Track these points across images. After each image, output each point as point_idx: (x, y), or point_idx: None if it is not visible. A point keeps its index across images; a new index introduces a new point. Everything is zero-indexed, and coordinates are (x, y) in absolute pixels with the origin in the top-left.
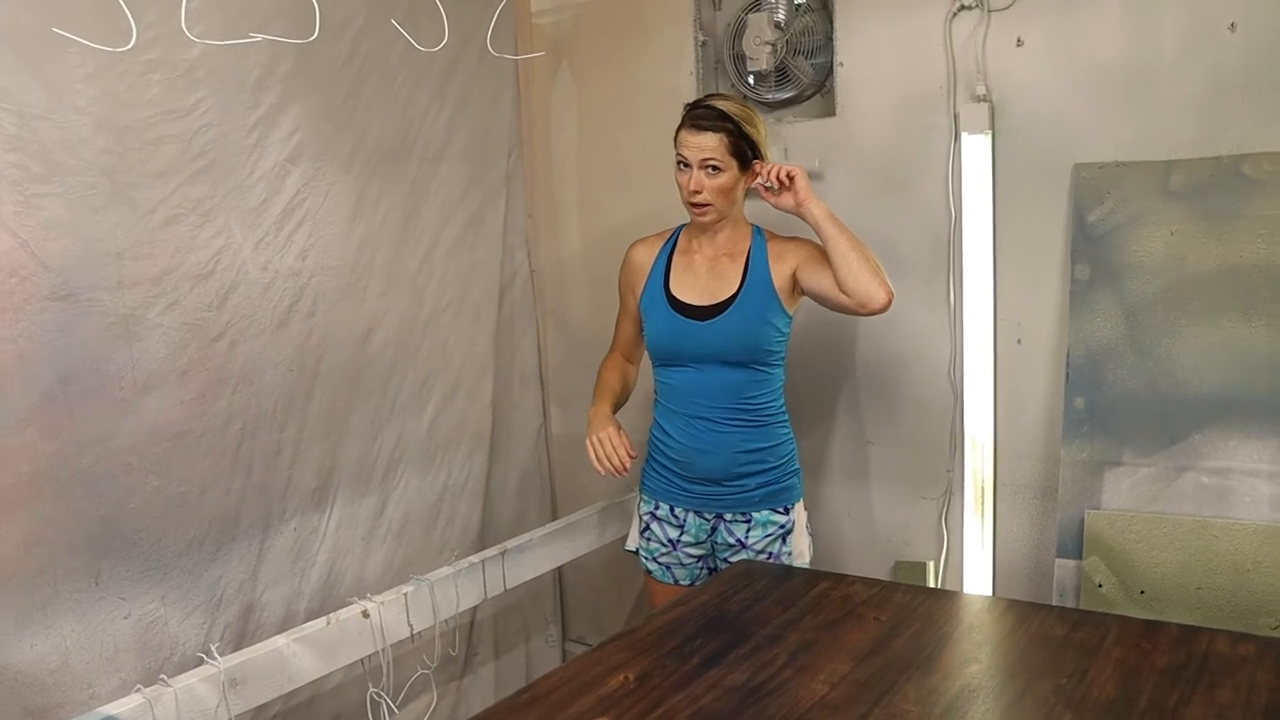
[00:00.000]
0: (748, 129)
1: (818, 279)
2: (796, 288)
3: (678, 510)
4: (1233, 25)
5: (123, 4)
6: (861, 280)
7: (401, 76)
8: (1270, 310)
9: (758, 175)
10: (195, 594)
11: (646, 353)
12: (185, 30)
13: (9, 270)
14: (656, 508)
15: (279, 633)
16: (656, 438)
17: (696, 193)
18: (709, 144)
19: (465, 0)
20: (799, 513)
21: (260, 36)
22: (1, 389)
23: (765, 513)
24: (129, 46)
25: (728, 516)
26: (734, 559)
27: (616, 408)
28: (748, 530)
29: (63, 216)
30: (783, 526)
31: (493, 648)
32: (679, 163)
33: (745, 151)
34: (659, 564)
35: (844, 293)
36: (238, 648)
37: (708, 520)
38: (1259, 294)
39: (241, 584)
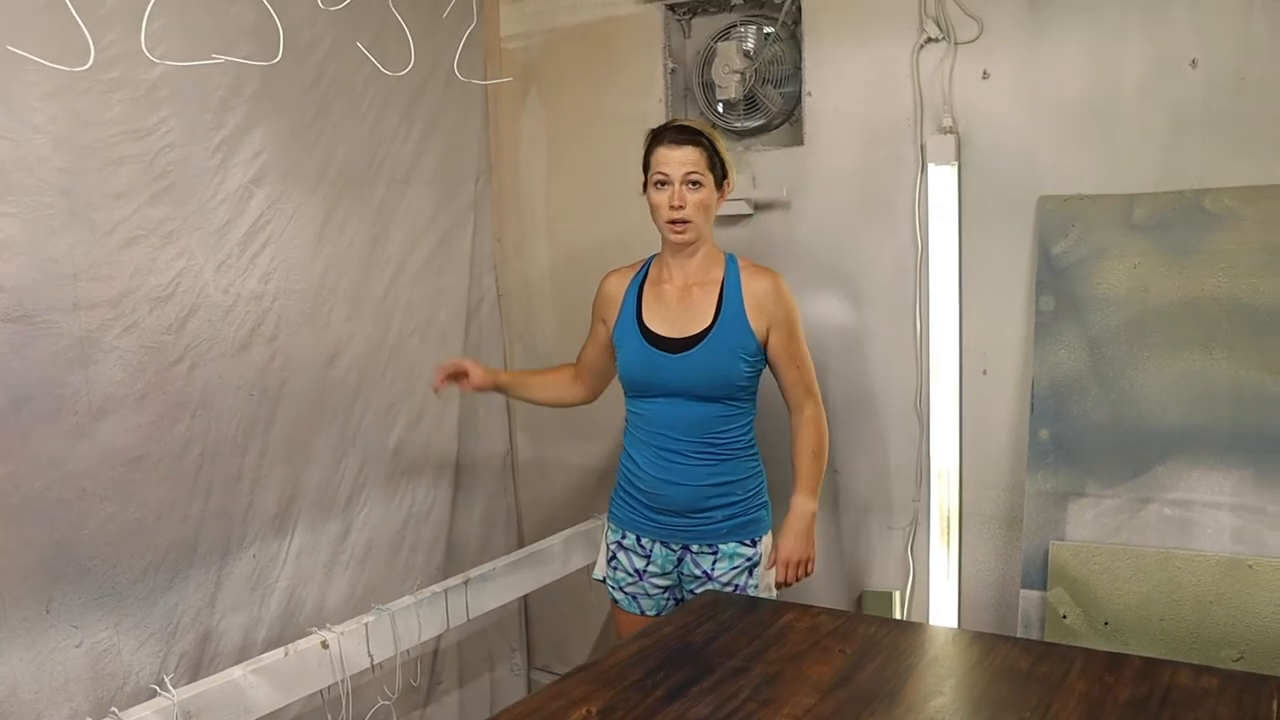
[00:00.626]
0: (718, 146)
1: (778, 369)
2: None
3: (644, 540)
4: (1194, 62)
5: (81, 24)
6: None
7: (369, 99)
8: (1231, 343)
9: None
10: (150, 622)
11: (617, 381)
12: (145, 52)
13: None
14: (623, 537)
15: (236, 662)
16: (625, 467)
17: (679, 208)
18: (690, 157)
19: (434, 24)
20: (766, 545)
21: (223, 59)
22: None
23: (732, 545)
24: (87, 66)
25: (694, 548)
26: (700, 590)
27: (520, 388)
28: (714, 562)
29: (18, 236)
30: (749, 559)
31: (456, 676)
32: (657, 182)
33: (718, 168)
34: (625, 594)
35: (789, 409)
36: (194, 678)
37: (674, 551)
38: (1220, 327)
39: (198, 612)
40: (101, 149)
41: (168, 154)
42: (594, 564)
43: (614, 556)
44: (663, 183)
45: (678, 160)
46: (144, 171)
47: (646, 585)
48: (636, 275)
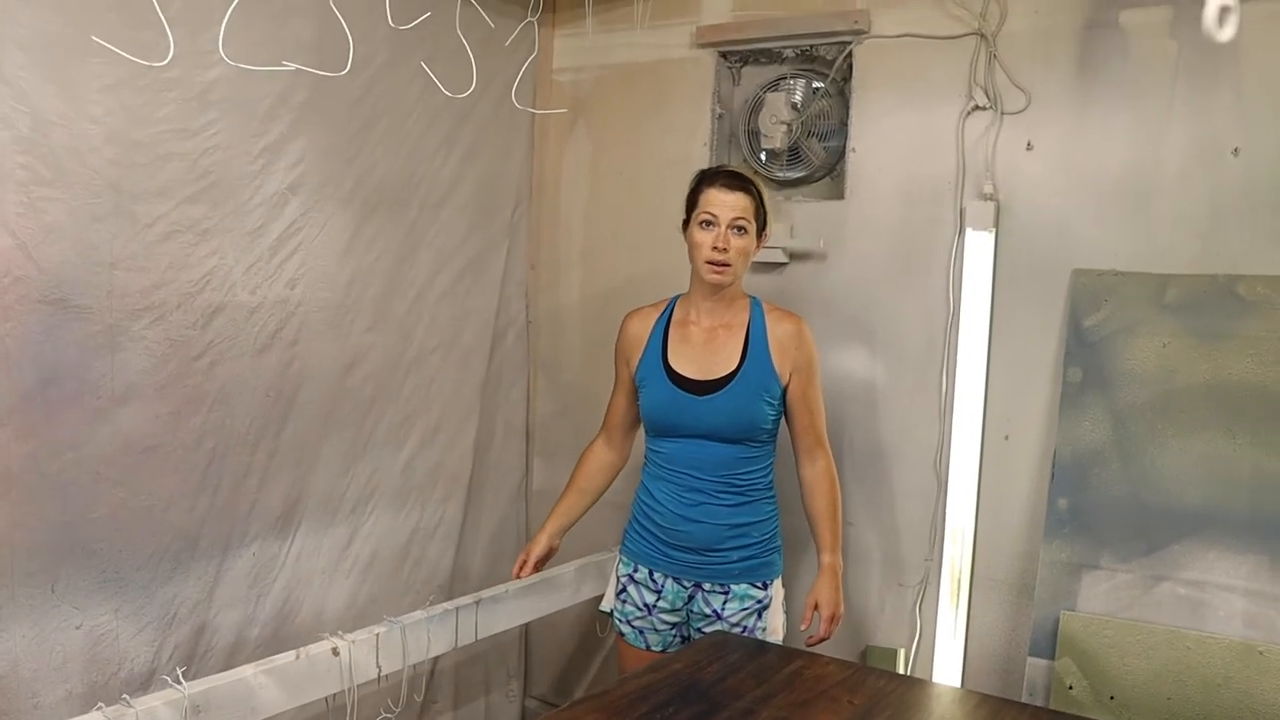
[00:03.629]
0: (764, 196)
1: (792, 413)
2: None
3: (656, 575)
4: (1236, 150)
5: (163, 19)
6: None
7: (413, 119)
8: (1255, 429)
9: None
10: (149, 610)
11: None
12: (220, 51)
13: (3, 270)
14: (635, 570)
15: (228, 657)
16: (643, 501)
17: (722, 250)
18: (741, 203)
19: (489, 51)
20: (777, 589)
21: (294, 66)
22: None
23: (744, 586)
24: (166, 61)
25: (706, 586)
26: (708, 629)
27: (578, 511)
28: (724, 602)
29: (63, 222)
30: (760, 601)
31: (451, 698)
32: (703, 222)
33: (761, 218)
34: (632, 627)
35: (797, 457)
36: (187, 669)
37: (686, 588)
38: (1245, 413)
39: (196, 604)
40: (150, 144)
41: (212, 155)
42: (602, 596)
43: (624, 589)
44: (709, 223)
45: (729, 204)
46: (188, 170)
47: (655, 620)
48: (661, 316)
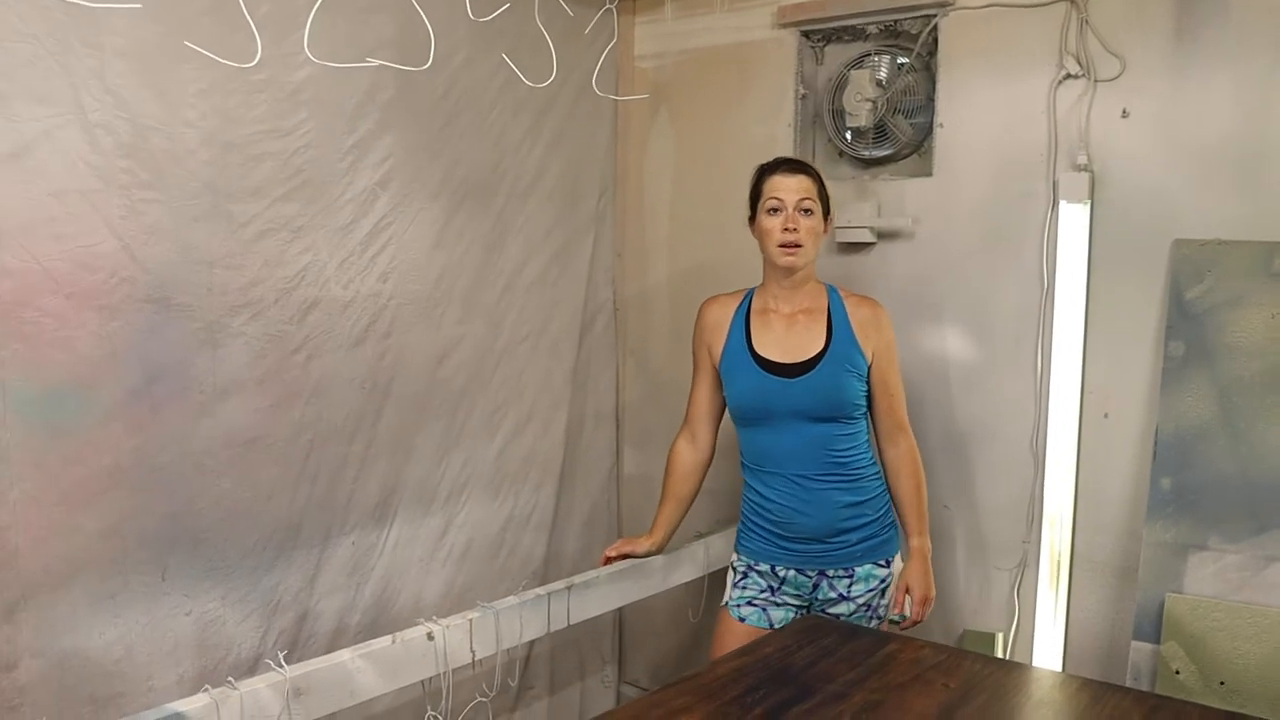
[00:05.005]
0: (824, 181)
1: (874, 396)
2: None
3: (779, 569)
4: None
5: (250, 22)
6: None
7: (497, 111)
8: None
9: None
10: (253, 597)
11: (728, 413)
12: (306, 50)
13: (110, 270)
14: (756, 563)
15: (330, 642)
16: (752, 500)
17: (793, 230)
18: (805, 185)
19: (569, 40)
20: (897, 565)
21: (376, 62)
22: (93, 383)
23: (868, 567)
24: (254, 63)
25: (830, 573)
26: (835, 609)
27: (678, 524)
28: (850, 585)
29: (164, 223)
30: (883, 580)
31: (548, 683)
32: (770, 209)
33: (825, 200)
34: (754, 606)
35: (879, 440)
36: (291, 654)
37: (810, 577)
38: None
39: (298, 592)
40: (244, 145)
41: (303, 154)
42: (692, 581)
43: (745, 576)
44: (776, 209)
45: (792, 187)
46: (280, 169)
47: (780, 597)
48: (741, 305)
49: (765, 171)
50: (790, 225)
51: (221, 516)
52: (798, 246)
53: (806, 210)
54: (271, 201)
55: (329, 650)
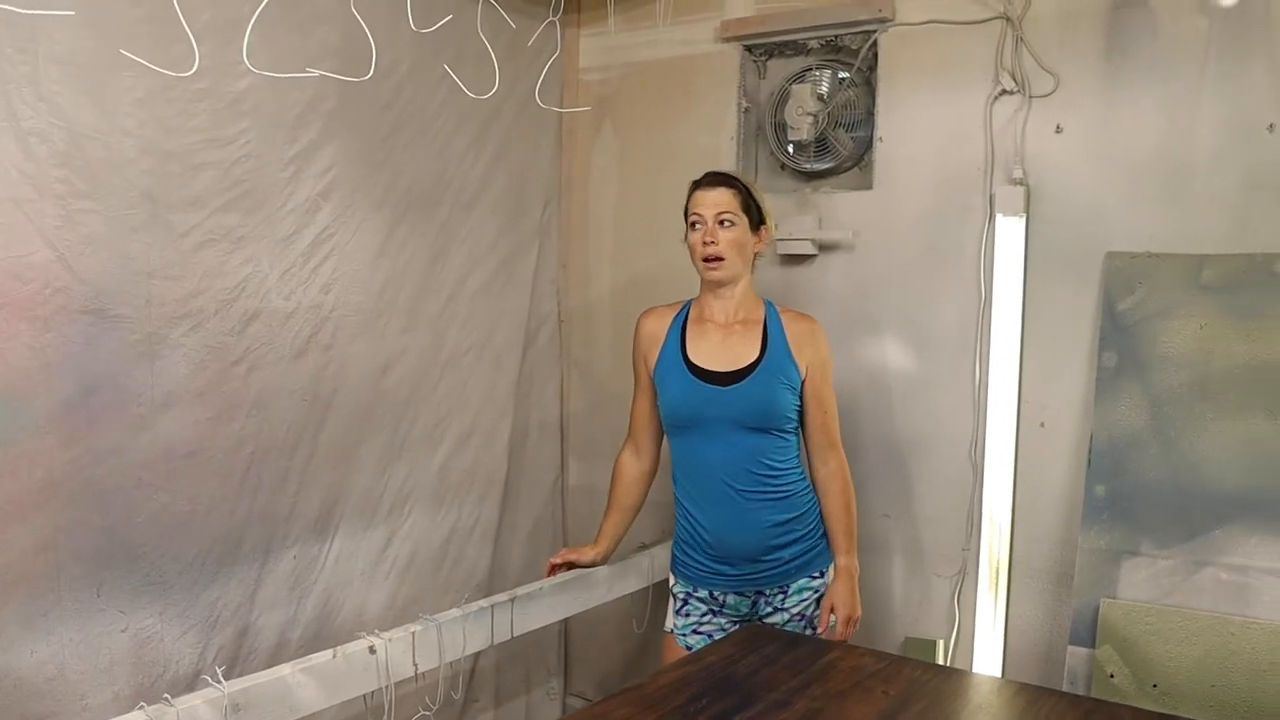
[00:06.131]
0: (754, 192)
1: (806, 411)
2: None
3: (717, 593)
4: (1271, 126)
5: (189, 31)
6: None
7: (441, 122)
8: None
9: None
10: (192, 613)
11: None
12: (245, 60)
13: (44, 281)
14: (695, 589)
15: (270, 657)
16: (684, 523)
17: (712, 244)
18: (722, 198)
19: (514, 52)
20: (830, 574)
21: (317, 73)
22: (27, 396)
23: (802, 580)
24: (191, 72)
25: (767, 591)
26: (771, 620)
27: (623, 527)
28: (784, 599)
29: (101, 233)
30: (817, 591)
31: (493, 695)
32: (693, 224)
33: (753, 211)
34: (700, 634)
35: (810, 457)
36: (230, 670)
37: (748, 597)
38: None
39: (238, 606)
40: (184, 155)
41: (244, 164)
42: (637, 591)
43: (685, 604)
44: (697, 223)
45: (711, 201)
46: (221, 179)
47: (722, 621)
48: (678, 315)
49: (691, 187)
50: (709, 239)
51: (159, 531)
52: (719, 259)
53: (726, 223)
54: (212, 211)
55: (270, 666)
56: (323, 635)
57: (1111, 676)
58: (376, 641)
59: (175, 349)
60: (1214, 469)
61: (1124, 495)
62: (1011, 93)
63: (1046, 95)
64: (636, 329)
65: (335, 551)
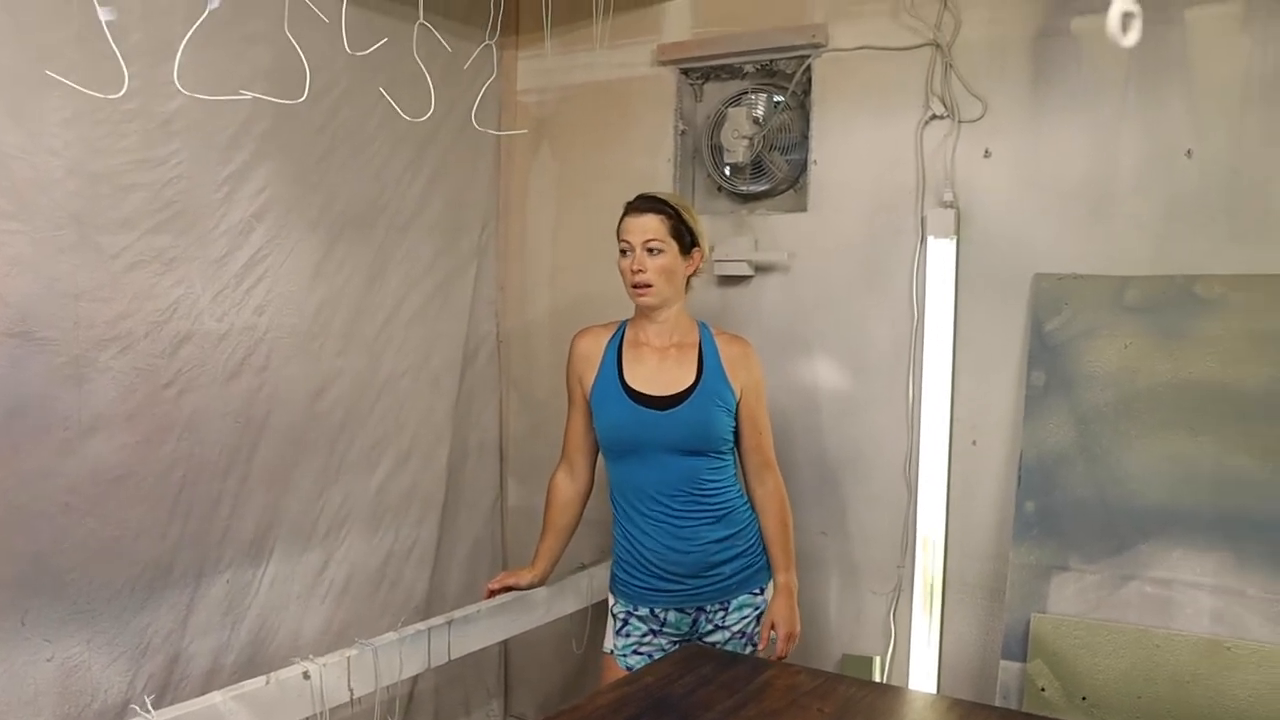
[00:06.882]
0: (686, 216)
1: (741, 433)
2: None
3: (658, 611)
4: (1189, 152)
5: (117, 52)
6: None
7: (377, 144)
8: (1216, 427)
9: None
10: (122, 640)
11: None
12: (175, 82)
13: None
14: (635, 608)
15: (203, 685)
16: (623, 542)
17: (640, 272)
18: (650, 225)
19: (450, 74)
20: (770, 591)
21: (250, 95)
22: None
23: (743, 597)
24: (121, 93)
25: (708, 608)
26: (712, 639)
27: (559, 555)
28: (725, 616)
29: (27, 254)
30: (757, 608)
31: (432, 718)
32: (622, 252)
33: (684, 235)
34: (640, 654)
35: (747, 477)
36: (161, 698)
37: (689, 614)
38: (1206, 411)
39: (169, 633)
40: (113, 176)
41: (176, 185)
42: (576, 612)
43: (625, 624)
44: (625, 251)
45: (638, 228)
46: (151, 200)
47: (662, 641)
48: (613, 337)
49: (623, 212)
50: (637, 267)
51: (87, 556)
52: (648, 286)
53: (654, 250)
54: (142, 233)
55: (202, 693)
56: (257, 661)
57: (1043, 690)
58: (311, 667)
59: (104, 372)
60: (1139, 485)
61: (1053, 511)
62: (942, 118)
63: (975, 120)
64: (571, 349)
65: (270, 575)
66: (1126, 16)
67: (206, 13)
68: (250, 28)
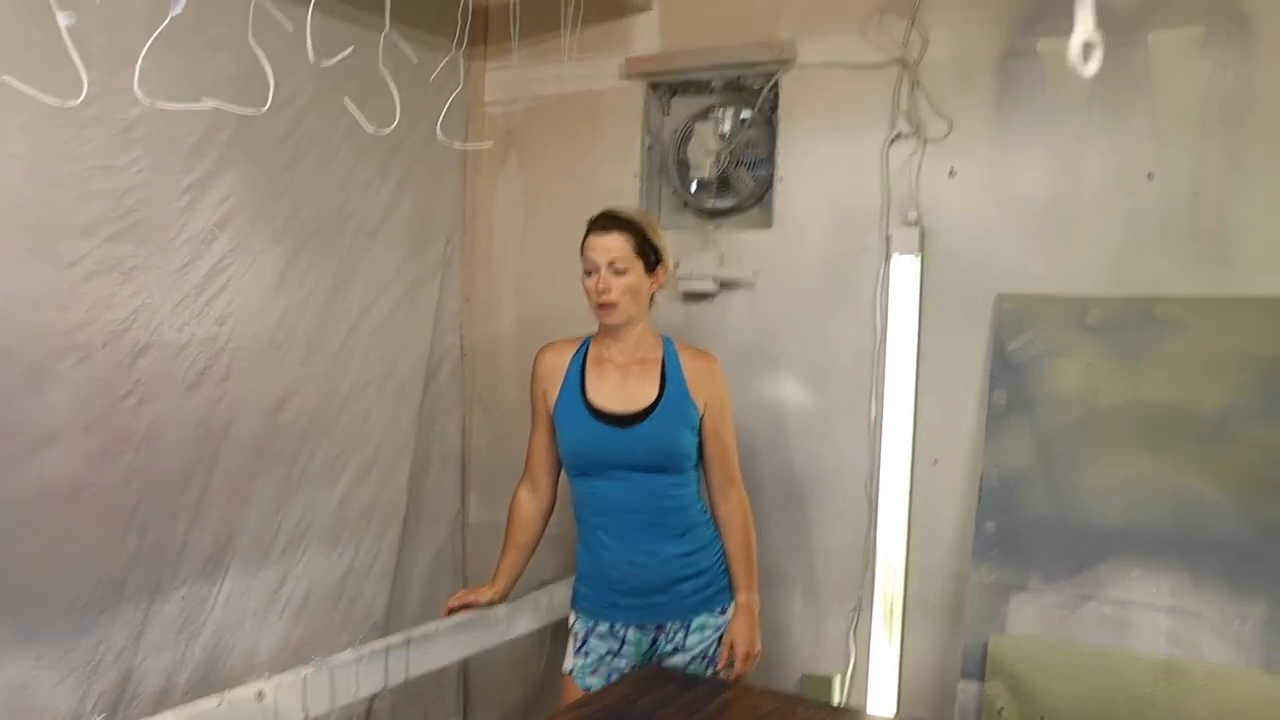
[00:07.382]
0: (650, 234)
1: (705, 448)
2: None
3: (617, 627)
4: (1150, 174)
5: (75, 57)
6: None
7: (343, 153)
8: (1175, 448)
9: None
10: (72, 658)
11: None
12: (136, 89)
13: None
14: (595, 625)
15: (155, 703)
16: (586, 557)
17: (604, 292)
18: (614, 244)
19: (417, 84)
20: (731, 612)
21: (212, 103)
22: None
23: (703, 616)
24: (79, 100)
25: (668, 626)
26: (673, 660)
27: (521, 572)
28: (686, 636)
29: None
30: (718, 628)
31: None
32: (586, 271)
33: (649, 254)
34: (598, 675)
35: (710, 494)
36: (111, 717)
37: (648, 633)
38: (1164, 431)
39: (122, 650)
40: (72, 183)
41: (136, 193)
42: (538, 630)
43: (585, 642)
44: (589, 271)
45: (602, 247)
46: (112, 208)
47: (620, 663)
48: (577, 353)
49: (587, 228)
50: (603, 287)
51: (36, 573)
52: (612, 305)
53: (618, 270)
54: (102, 241)
55: (154, 713)
56: (211, 679)
57: (1000, 711)
58: (265, 686)
59: (60, 382)
60: (1098, 505)
61: (1013, 531)
62: (907, 136)
63: (940, 139)
64: (535, 363)
65: (226, 591)
66: (1088, 46)
67: (169, 18)
68: (213, 34)
